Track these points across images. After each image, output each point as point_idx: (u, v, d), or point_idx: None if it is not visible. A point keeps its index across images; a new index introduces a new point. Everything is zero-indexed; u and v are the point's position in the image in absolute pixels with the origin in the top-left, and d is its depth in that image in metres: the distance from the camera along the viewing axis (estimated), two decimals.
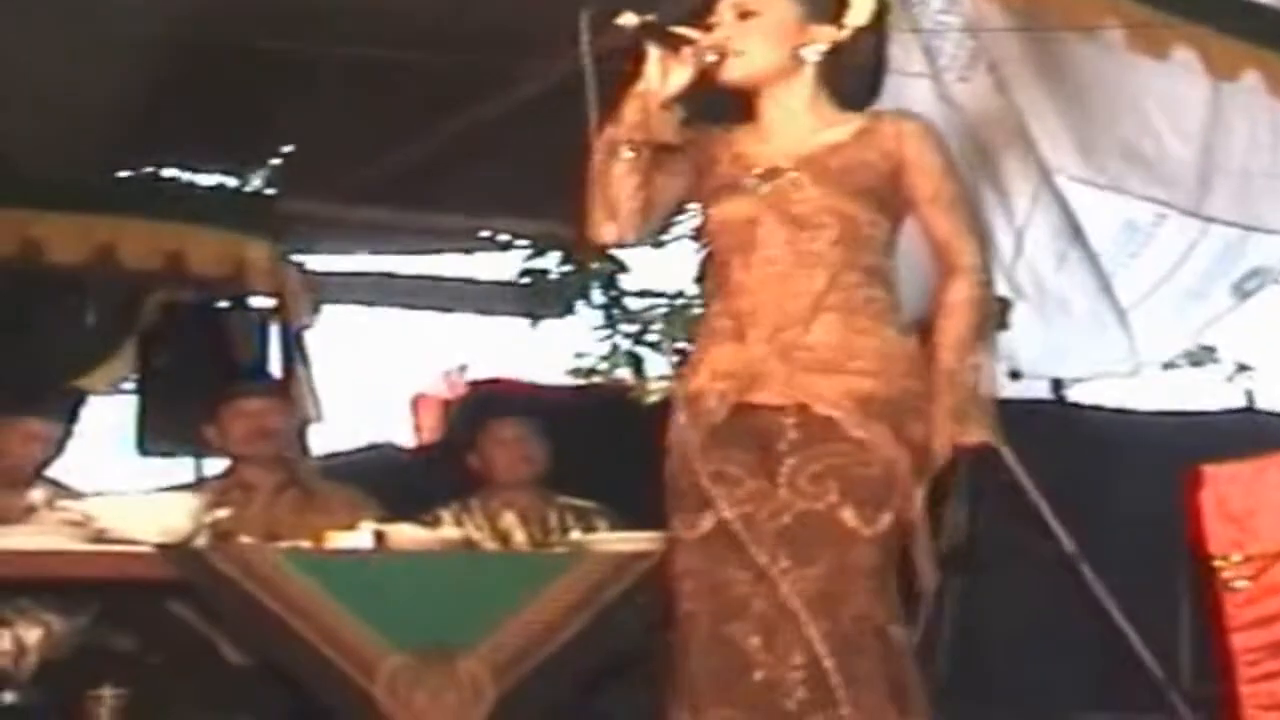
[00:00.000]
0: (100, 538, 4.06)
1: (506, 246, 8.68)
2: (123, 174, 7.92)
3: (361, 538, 4.25)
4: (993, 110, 6.16)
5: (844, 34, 3.63)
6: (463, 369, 9.92)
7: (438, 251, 8.85)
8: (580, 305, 8.70)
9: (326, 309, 8.13)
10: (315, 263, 8.37)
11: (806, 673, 3.32)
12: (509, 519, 5.42)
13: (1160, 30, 5.96)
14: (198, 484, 6.17)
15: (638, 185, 3.50)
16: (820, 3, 3.62)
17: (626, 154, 3.48)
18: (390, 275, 8.83)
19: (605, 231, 3.56)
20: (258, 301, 7.86)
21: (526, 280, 8.79)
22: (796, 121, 3.60)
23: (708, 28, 3.57)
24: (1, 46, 6.39)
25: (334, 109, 7.37)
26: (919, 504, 3.47)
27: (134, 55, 6.81)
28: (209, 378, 7.51)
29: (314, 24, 6.49)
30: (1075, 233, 6.37)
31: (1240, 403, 8.11)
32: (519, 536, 5.35)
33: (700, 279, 3.75)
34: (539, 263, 8.71)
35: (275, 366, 7.73)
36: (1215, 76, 6.08)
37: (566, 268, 8.69)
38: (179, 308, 8.00)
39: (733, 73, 3.56)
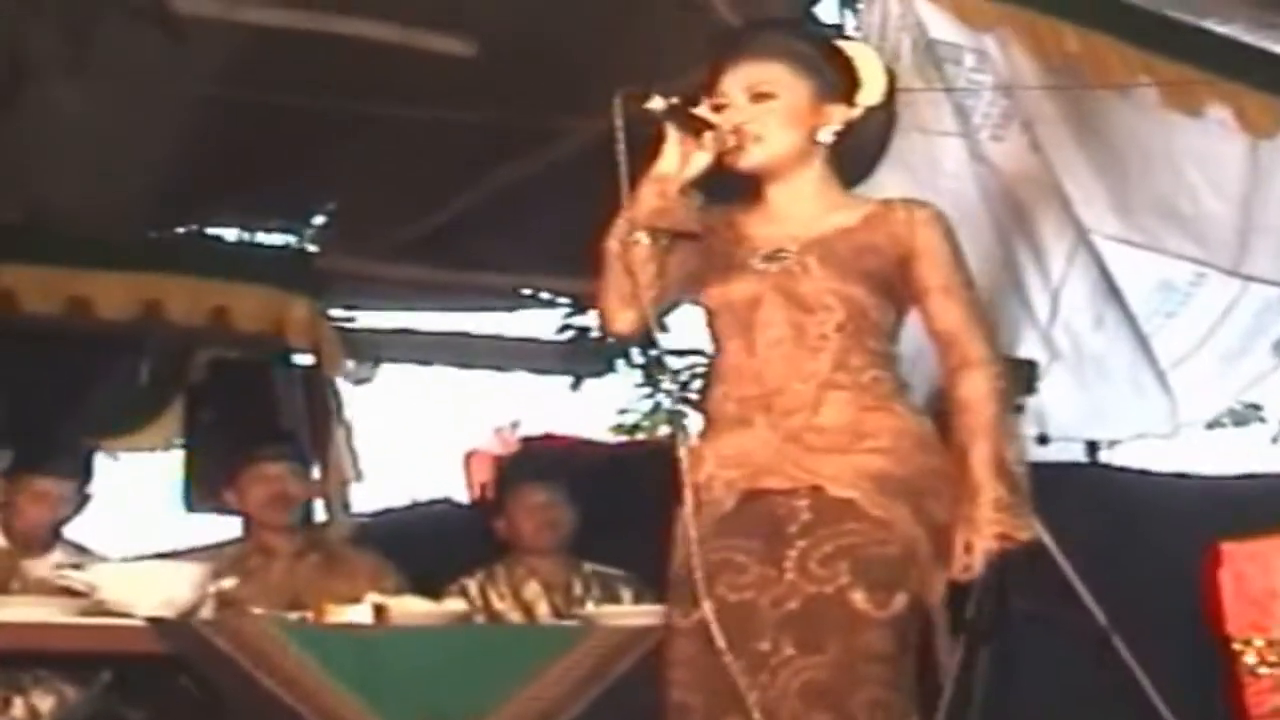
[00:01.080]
0: (98, 609, 3.96)
1: (548, 304, 8.59)
2: (168, 232, 7.90)
3: (361, 612, 4.14)
4: (1027, 169, 6.04)
5: (856, 112, 3.49)
6: (515, 425, 9.86)
7: (480, 309, 8.77)
8: (621, 363, 8.60)
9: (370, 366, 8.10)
10: (358, 319, 8.32)
11: None
12: (533, 588, 5.33)
13: (1195, 88, 5.82)
14: (219, 546, 6.13)
15: (655, 273, 3.34)
16: (831, 80, 3.46)
17: (643, 239, 3.33)
18: (432, 333, 8.77)
19: (622, 321, 3.39)
20: (302, 359, 7.81)
21: (568, 338, 8.70)
22: (805, 203, 3.46)
23: (717, 107, 3.42)
24: (49, 107, 6.38)
25: (377, 167, 7.35)
26: (940, 589, 3.31)
27: (179, 115, 6.83)
28: (254, 436, 7.56)
29: (358, 83, 6.47)
30: (1112, 292, 6.25)
31: None
32: (542, 607, 5.25)
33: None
34: (580, 320, 8.62)
35: (314, 424, 7.70)
36: (1250, 134, 5.92)
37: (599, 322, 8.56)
38: (226, 365, 7.99)
39: (752, 159, 3.41)
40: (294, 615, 4.36)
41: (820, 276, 3.35)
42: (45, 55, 6.14)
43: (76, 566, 4.26)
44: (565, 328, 8.75)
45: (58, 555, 5.26)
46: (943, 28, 5.81)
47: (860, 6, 6.47)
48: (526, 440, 9.24)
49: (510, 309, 8.71)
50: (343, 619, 4.15)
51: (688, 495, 3.32)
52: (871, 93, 3.48)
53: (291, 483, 5.32)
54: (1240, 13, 6.04)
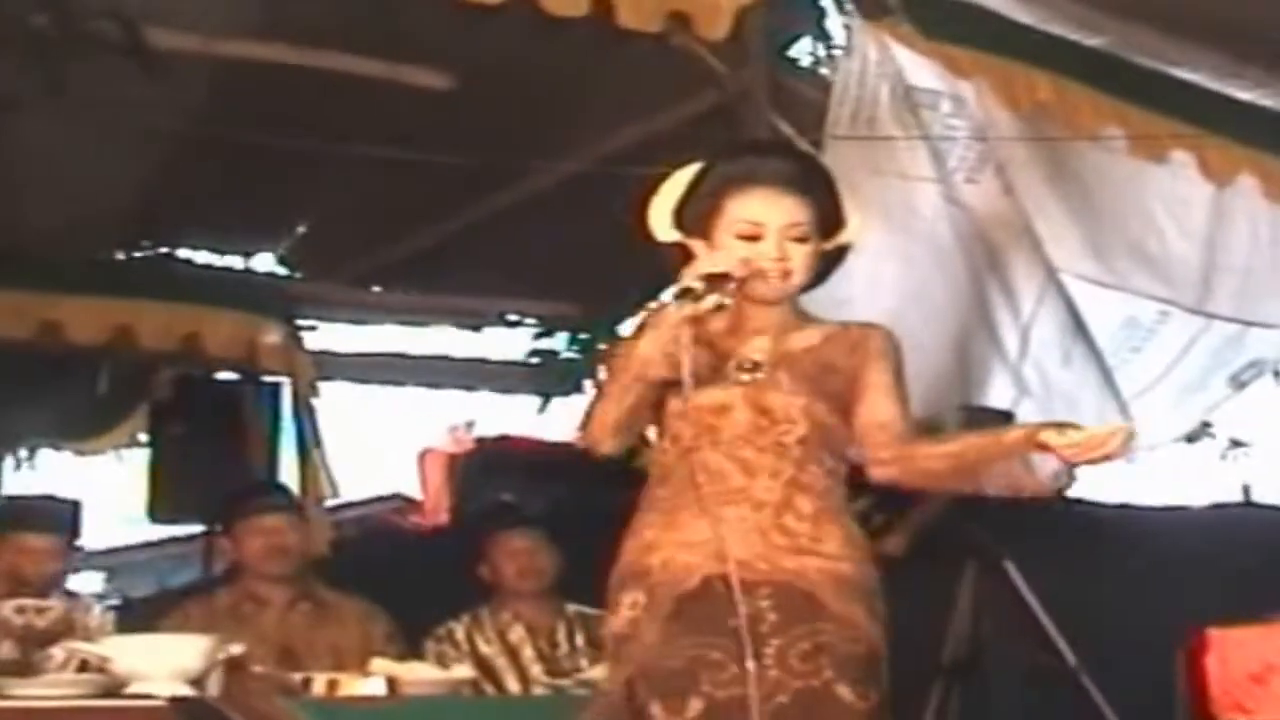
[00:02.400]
0: (116, 686, 3.97)
1: (516, 325, 8.62)
2: (140, 256, 7.87)
3: (375, 684, 4.17)
4: (1000, 211, 6.12)
5: (829, 247, 3.62)
6: (470, 425, 9.90)
7: (450, 328, 8.82)
8: (588, 384, 8.65)
9: (336, 386, 8.11)
10: (326, 341, 8.33)
11: None
12: (518, 632, 5.36)
13: (1159, 135, 5.91)
14: (207, 545, 6.02)
15: (643, 406, 3.49)
16: (823, 220, 3.58)
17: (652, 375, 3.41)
18: (402, 355, 8.79)
19: (609, 446, 3.50)
20: (269, 377, 7.83)
21: (536, 360, 8.74)
22: (775, 321, 3.58)
23: (753, 237, 3.49)
24: (21, 136, 6.36)
25: (350, 195, 7.34)
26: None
27: (150, 142, 6.79)
28: (220, 451, 7.59)
29: (333, 116, 6.47)
30: (1080, 330, 6.33)
31: (1237, 496, 8.06)
32: (528, 650, 5.27)
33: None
34: (547, 343, 8.67)
35: (288, 444, 7.72)
36: (1211, 180, 6.05)
37: (575, 347, 8.63)
38: (191, 381, 8.00)
39: (777, 293, 3.54)
40: (298, 675, 4.37)
41: (789, 391, 3.49)
42: (19, 85, 6.12)
43: (88, 639, 4.25)
44: (534, 351, 8.81)
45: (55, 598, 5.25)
46: (920, 74, 5.87)
47: (836, 50, 6.53)
48: (482, 441, 9.30)
49: (478, 329, 8.74)
50: (356, 691, 4.17)
51: (637, 581, 3.45)
52: (852, 234, 3.64)
53: (289, 535, 5.30)
54: (1206, 60, 6.12)
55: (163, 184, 7.07)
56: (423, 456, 10.19)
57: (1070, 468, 3.32)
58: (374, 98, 6.38)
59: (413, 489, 10.48)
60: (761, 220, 3.49)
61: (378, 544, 8.76)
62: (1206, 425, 9.34)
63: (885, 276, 5.95)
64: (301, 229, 7.99)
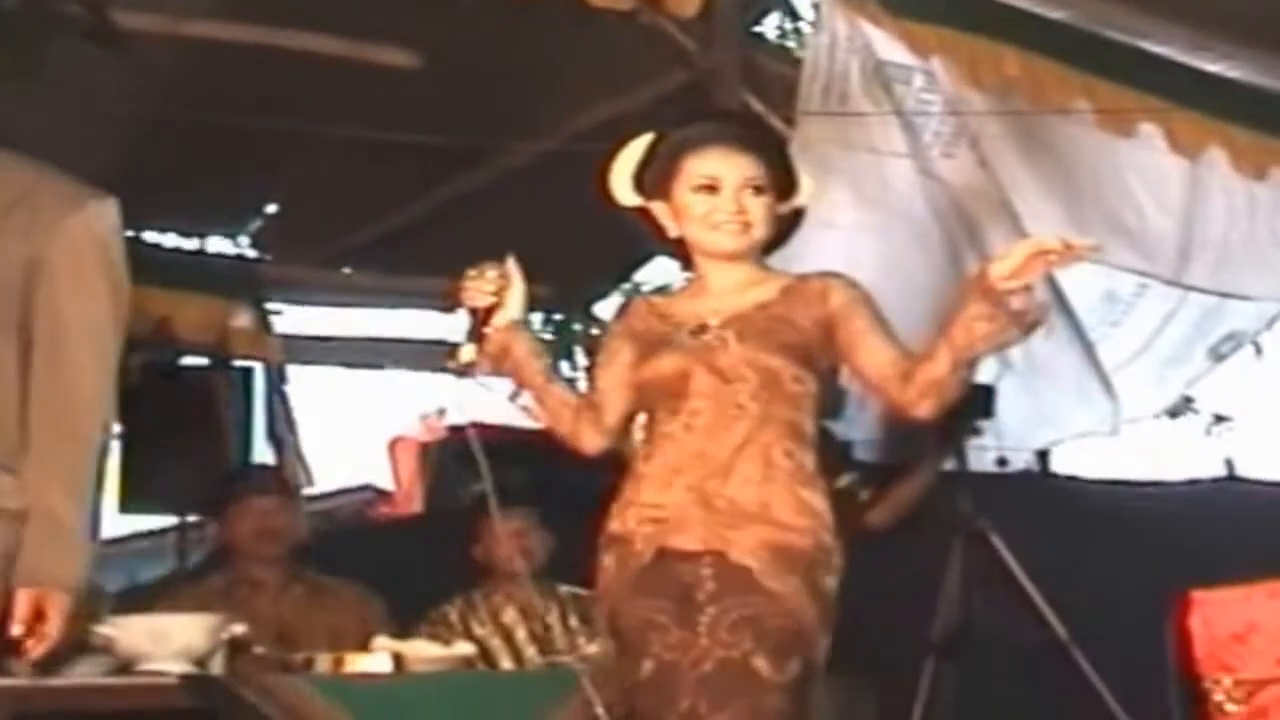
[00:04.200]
0: (125, 667, 4.19)
1: None
2: None
3: (381, 660, 4.38)
4: (977, 185, 6.30)
5: (789, 207, 3.83)
6: (440, 413, 10.03)
7: (420, 310, 8.97)
8: (564, 365, 8.82)
9: (307, 369, 8.27)
10: (296, 324, 8.49)
11: None
12: (511, 613, 5.55)
13: (1127, 109, 6.13)
14: (180, 539, 6.18)
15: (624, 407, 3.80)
16: (776, 181, 3.79)
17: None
18: (372, 338, 8.95)
19: (594, 447, 3.83)
20: (240, 362, 7.98)
21: None
22: (731, 282, 3.78)
23: (710, 188, 3.71)
24: None
25: (320, 175, 7.50)
26: (824, 651, 3.60)
27: (120, 124, 6.94)
28: (190, 439, 7.72)
29: (302, 95, 6.63)
30: (1060, 304, 6.52)
31: (1221, 470, 8.29)
32: (521, 632, 5.47)
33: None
34: None
35: (259, 430, 7.89)
36: (1179, 153, 6.25)
37: (549, 329, 8.80)
38: (159, 368, 8.12)
39: (739, 244, 3.74)
40: (299, 655, 4.58)
41: (737, 350, 3.66)
42: None
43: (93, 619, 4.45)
44: None
45: None
46: (890, 50, 6.07)
47: (804, 26, 6.74)
48: (452, 428, 9.43)
49: (449, 310, 8.88)
50: (361, 668, 4.38)
51: (609, 547, 3.70)
52: (805, 195, 3.85)
53: (280, 516, 5.50)
54: (1177, 34, 6.34)
55: (130, 167, 7.17)
56: (393, 445, 10.28)
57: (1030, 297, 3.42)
58: (341, 78, 6.54)
59: (384, 479, 10.58)
60: (718, 174, 3.70)
61: (358, 533, 8.90)
62: (1189, 401, 9.60)
63: (862, 253, 6.09)
64: (270, 211, 8.13)
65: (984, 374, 6.33)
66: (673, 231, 3.80)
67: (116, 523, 8.82)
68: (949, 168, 6.27)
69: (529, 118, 7.03)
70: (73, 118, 6.73)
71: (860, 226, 6.21)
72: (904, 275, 6.19)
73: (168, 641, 4.25)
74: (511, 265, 3.82)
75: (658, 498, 3.65)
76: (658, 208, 3.80)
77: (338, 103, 6.76)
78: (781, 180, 3.80)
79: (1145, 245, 6.45)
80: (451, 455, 8.91)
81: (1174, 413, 9.55)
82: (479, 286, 3.80)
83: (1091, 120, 6.22)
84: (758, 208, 3.72)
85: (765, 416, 3.64)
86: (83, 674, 4.17)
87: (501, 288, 3.81)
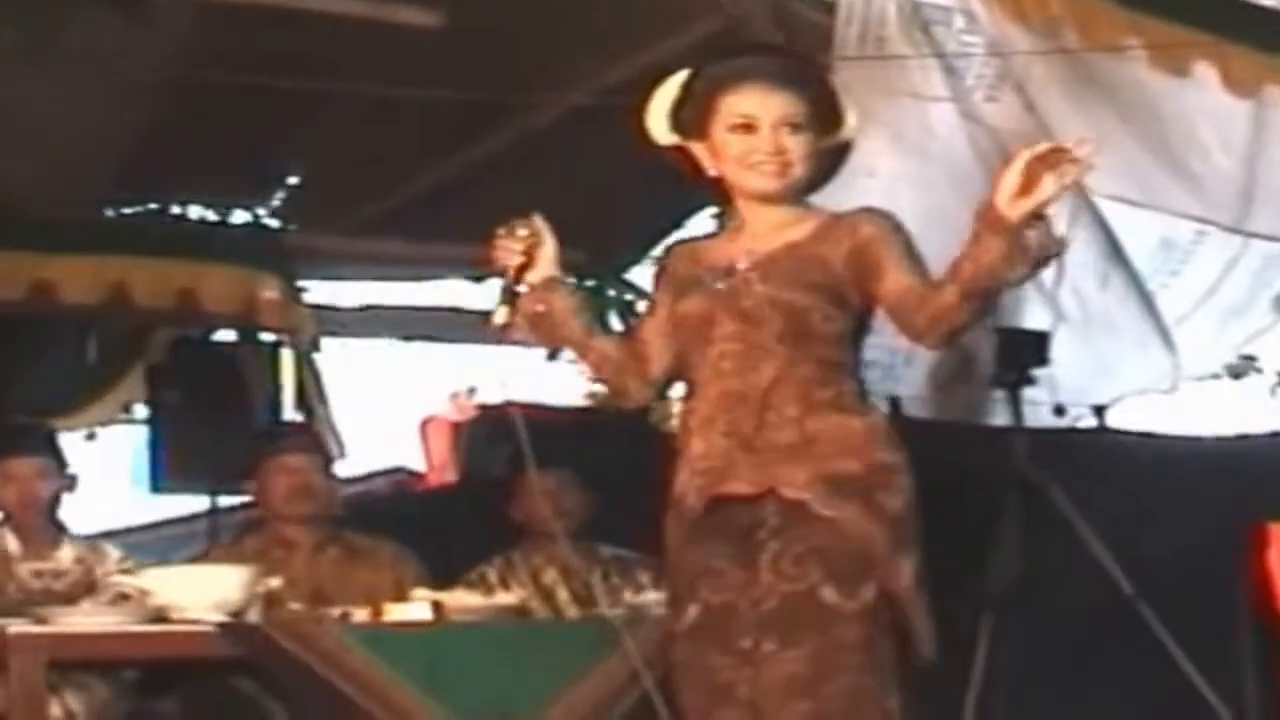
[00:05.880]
0: (160, 615, 4.24)
1: None
2: (131, 212, 8.07)
3: (420, 609, 4.42)
4: (1025, 129, 6.27)
5: (833, 142, 3.86)
6: (472, 391, 10.07)
7: (449, 280, 9.00)
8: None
9: (337, 342, 8.31)
10: (325, 295, 8.53)
11: None
12: (551, 574, 5.58)
13: (1180, 47, 6.10)
14: (228, 536, 6.36)
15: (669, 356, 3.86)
16: (819, 116, 3.81)
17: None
18: (402, 307, 8.98)
19: (641, 398, 3.96)
20: (269, 335, 8.04)
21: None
22: (768, 222, 3.80)
23: (746, 127, 3.74)
24: (7, 91, 6.55)
25: (343, 142, 7.54)
26: (907, 575, 3.61)
27: (140, 96, 6.99)
28: (222, 414, 7.78)
29: (322, 58, 6.66)
30: (1116, 252, 6.52)
31: None
32: (562, 593, 5.50)
33: None
34: None
35: (290, 403, 7.94)
36: (1235, 92, 6.20)
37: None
38: (188, 343, 8.19)
39: (778, 185, 3.76)
40: (335, 611, 4.62)
41: (762, 291, 3.70)
42: (2, 39, 6.33)
43: (127, 571, 4.51)
44: None
45: (66, 550, 5.50)
46: None
47: None
48: (484, 408, 9.47)
49: (480, 280, 8.92)
50: (401, 617, 4.43)
51: (671, 504, 3.76)
52: (849, 129, 3.88)
53: (314, 474, 5.54)
54: None
55: (152, 137, 7.26)
56: (425, 425, 10.32)
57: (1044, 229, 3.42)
58: (363, 39, 6.56)
59: (416, 460, 10.62)
60: (754, 113, 3.73)
61: (394, 501, 8.94)
62: (1252, 360, 9.55)
63: (902, 201, 5.97)
64: (294, 179, 8.17)
65: (1038, 321, 6.39)
66: (711, 171, 3.82)
67: (149, 506, 8.91)
68: (994, 112, 6.23)
69: (555, 74, 7.03)
70: (90, 90, 6.79)
71: (901, 174, 6.19)
72: (946, 223, 6.10)
73: (202, 592, 4.31)
74: (539, 222, 3.85)
75: (702, 449, 3.70)
76: (695, 147, 3.82)
77: (360, 66, 6.77)
78: (824, 115, 3.81)
79: (1205, 190, 6.40)
80: (484, 434, 8.96)
81: (1237, 373, 9.52)
82: (509, 245, 3.84)
83: (1143, 59, 6.18)
84: (797, 146, 3.74)
85: (795, 356, 3.67)
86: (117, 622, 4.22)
87: (531, 245, 3.84)
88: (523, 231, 3.84)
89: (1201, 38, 6.19)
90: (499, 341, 4.02)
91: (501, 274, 3.86)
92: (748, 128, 3.73)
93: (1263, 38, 6.30)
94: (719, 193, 3.87)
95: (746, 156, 3.73)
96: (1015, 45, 6.12)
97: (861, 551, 3.57)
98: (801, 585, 3.55)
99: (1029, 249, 3.41)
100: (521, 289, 3.84)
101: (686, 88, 3.83)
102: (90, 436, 9.26)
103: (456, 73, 6.68)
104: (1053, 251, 3.46)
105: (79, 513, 5.84)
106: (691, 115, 3.81)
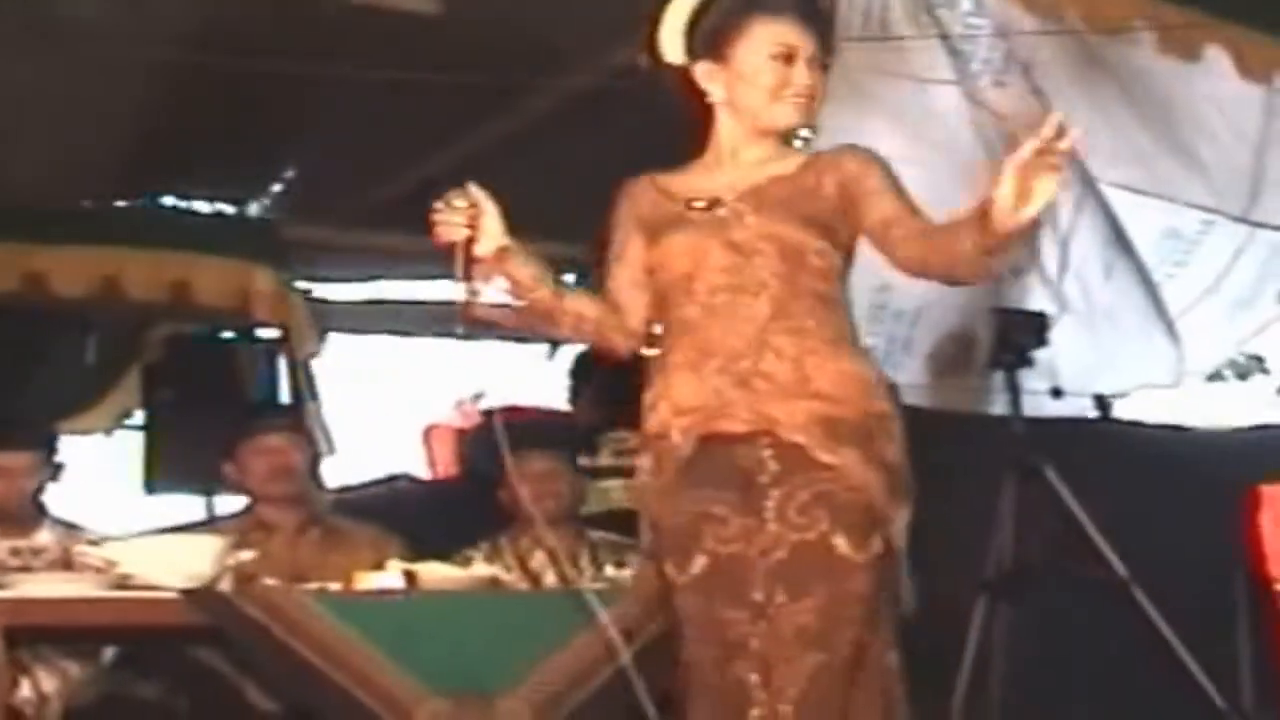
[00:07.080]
0: (124, 583, 4.17)
1: None
2: (124, 204, 8.04)
3: (392, 578, 4.36)
4: (1030, 114, 6.24)
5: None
6: (477, 397, 10.02)
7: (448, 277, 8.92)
8: None
9: (335, 338, 8.25)
10: (322, 290, 8.48)
11: (800, 706, 3.47)
12: (539, 559, 5.53)
13: (1190, 30, 6.05)
14: (210, 522, 6.35)
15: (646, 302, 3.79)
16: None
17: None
18: (401, 302, 8.93)
19: (629, 347, 3.86)
20: (264, 333, 7.99)
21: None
22: (754, 156, 3.77)
23: (789, 57, 3.70)
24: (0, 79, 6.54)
25: (340, 131, 7.49)
26: (901, 528, 3.57)
27: (133, 83, 6.95)
28: (217, 413, 7.71)
29: (319, 45, 6.62)
30: (1121, 241, 6.47)
31: None
32: (549, 577, 5.45)
33: None
34: None
35: (284, 399, 7.88)
36: (1248, 78, 6.15)
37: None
38: (183, 342, 8.14)
39: (804, 119, 3.77)
40: (311, 586, 4.56)
41: (754, 223, 3.66)
42: None
43: (94, 544, 4.46)
44: None
45: (45, 533, 5.47)
46: None
47: None
48: (488, 413, 9.41)
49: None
50: (372, 586, 4.36)
51: (646, 445, 3.72)
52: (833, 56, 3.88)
53: (293, 454, 5.51)
54: None
55: (146, 127, 7.22)
56: (428, 433, 10.28)
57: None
58: (359, 26, 6.54)
59: (418, 467, 10.56)
60: (796, 44, 3.71)
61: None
62: (1259, 360, 9.48)
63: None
64: (291, 170, 8.13)
65: (1039, 305, 6.33)
66: (714, 96, 3.75)
67: (143, 509, 8.85)
68: (1000, 96, 6.20)
69: (557, 61, 6.99)
70: (88, 78, 6.76)
71: (903, 159, 6.10)
72: (948, 209, 6.12)
73: (169, 562, 4.24)
74: (477, 191, 3.74)
75: (692, 386, 3.62)
76: (704, 68, 3.75)
77: (355, 54, 6.74)
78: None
79: (1217, 178, 6.37)
80: (489, 441, 8.89)
81: (1243, 374, 9.45)
82: (448, 219, 3.74)
83: (1152, 44, 6.13)
84: (820, 85, 3.73)
85: (790, 291, 3.62)
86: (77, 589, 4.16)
87: (473, 216, 3.73)
88: (460, 203, 3.73)
89: (1213, 21, 6.15)
90: (470, 331, 3.88)
91: (449, 252, 3.75)
92: (789, 58, 3.70)
93: (1276, 22, 6.26)
94: (703, 122, 3.79)
95: (781, 88, 3.70)
96: (1022, 29, 6.08)
97: (865, 500, 3.52)
98: (811, 534, 3.49)
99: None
100: (473, 263, 3.75)
101: (714, 4, 3.77)
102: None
103: (455, 60, 6.64)
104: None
105: (78, 513, 5.82)
106: (713, 32, 3.76)
